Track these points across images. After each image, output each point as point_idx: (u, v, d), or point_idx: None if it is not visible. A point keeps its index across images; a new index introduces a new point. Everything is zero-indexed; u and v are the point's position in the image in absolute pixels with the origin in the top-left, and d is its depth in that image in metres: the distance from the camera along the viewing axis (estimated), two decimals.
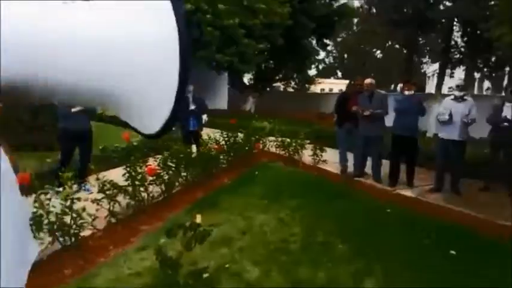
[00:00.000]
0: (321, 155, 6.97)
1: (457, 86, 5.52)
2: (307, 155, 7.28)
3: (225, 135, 7.03)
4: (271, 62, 20.21)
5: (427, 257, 3.41)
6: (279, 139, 8.10)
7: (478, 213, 4.66)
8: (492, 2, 5.73)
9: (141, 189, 4.43)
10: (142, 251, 3.37)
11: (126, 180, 4.23)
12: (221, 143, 6.77)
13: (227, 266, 3.19)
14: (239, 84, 19.90)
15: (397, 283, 2.99)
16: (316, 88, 28.48)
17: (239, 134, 7.50)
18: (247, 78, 22.37)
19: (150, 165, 4.72)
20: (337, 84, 32.54)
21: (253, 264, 3.22)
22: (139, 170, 4.38)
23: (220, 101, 20.04)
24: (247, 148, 7.62)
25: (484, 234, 4.00)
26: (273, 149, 8.12)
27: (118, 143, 6.26)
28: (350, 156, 6.54)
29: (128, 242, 3.65)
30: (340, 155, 6.72)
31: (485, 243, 3.72)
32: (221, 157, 6.65)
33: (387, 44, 25.01)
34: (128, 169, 4.30)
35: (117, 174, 4.37)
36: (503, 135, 5.53)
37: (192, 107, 6.50)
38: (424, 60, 24.63)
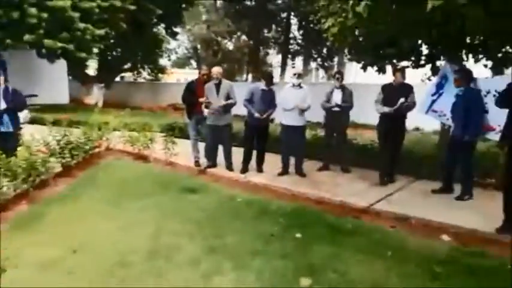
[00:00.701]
0: (173, 148, 6.58)
1: (294, 75, 5.85)
2: (158, 149, 6.80)
3: (57, 134, 5.97)
4: (118, 50, 18.62)
5: (277, 243, 3.43)
6: (127, 133, 7.39)
7: (319, 193, 5.06)
8: None
9: None
10: None
11: None
12: (50, 144, 5.71)
13: None
14: (81, 74, 17.68)
15: (248, 276, 2.90)
16: (171, 78, 27.69)
17: (77, 130, 6.51)
18: (93, 69, 20.12)
19: None
20: (192, 75, 32.43)
21: None
22: None
23: (59, 94, 17.47)
24: (88, 147, 6.67)
25: (326, 211, 4.31)
26: (121, 146, 7.36)
27: None
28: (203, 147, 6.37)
29: None
30: (192, 146, 6.49)
31: (327, 222, 3.96)
32: (52, 160, 5.60)
33: (236, 35, 26.15)
34: None
35: None
36: (335, 119, 6.13)
37: (2, 103, 5.26)
38: (270, 51, 26.66)
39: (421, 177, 5.76)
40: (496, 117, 4.45)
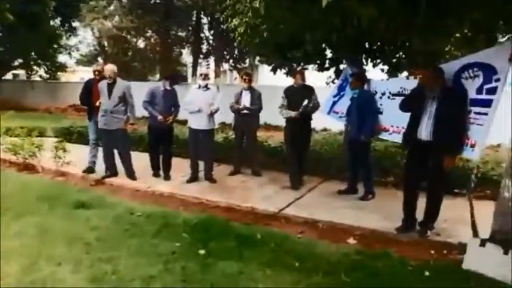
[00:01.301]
0: (64, 156, 5.77)
1: (201, 75, 5.53)
2: (49, 157, 5.92)
3: None
4: (7, 45, 16.31)
5: (177, 264, 3.07)
6: (10, 140, 6.34)
7: (229, 199, 4.82)
8: None
9: None
10: None
11: None
12: None
13: None
14: None
15: None
16: (74, 77, 25.28)
17: None
18: None
19: None
20: None
21: None
22: None
23: None
24: None
25: (236, 220, 4.07)
26: (3, 155, 6.29)
27: None
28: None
29: None
30: (89, 151, 5.83)
31: (236, 233, 3.71)
32: None
33: (148, 33, 24.72)
34: None
35: None
36: (244, 121, 5.95)
37: None
38: (184, 51, 25.82)
39: (329, 178, 5.88)
40: (390, 118, 4.67)
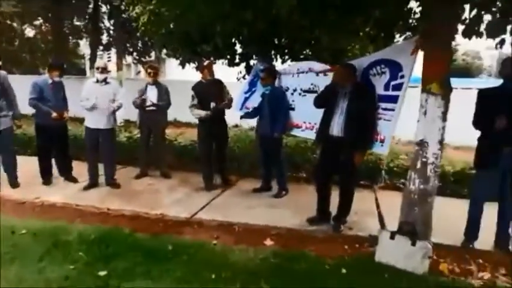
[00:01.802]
0: None
1: (97, 68, 4.88)
2: None
3: None
4: None
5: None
6: None
7: (135, 206, 4.35)
8: None
9: None
10: None
11: None
12: None
13: None
14: None
15: None
16: None
17: None
18: None
19: None
20: None
21: None
22: None
23: None
24: None
25: (143, 231, 3.64)
26: None
27: None
28: None
29: None
30: None
31: (143, 246, 3.30)
32: None
33: (37, 22, 21.82)
34: None
35: None
36: (151, 118, 5.45)
37: None
38: (82, 42, 23.43)
39: (244, 176, 5.71)
40: (302, 114, 4.66)
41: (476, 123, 3.37)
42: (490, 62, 36.28)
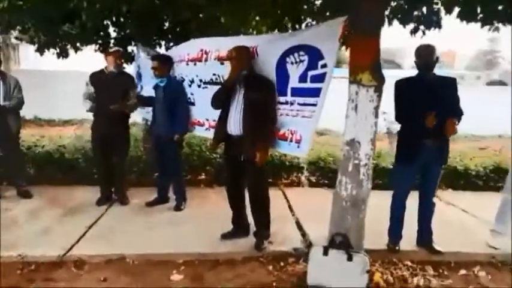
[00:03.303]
0: None
1: None
2: None
3: None
4: None
5: None
6: None
7: None
8: None
9: None
10: None
11: None
12: None
13: None
14: None
15: None
16: None
17: None
18: None
19: None
20: None
21: None
22: None
23: None
24: None
25: None
26: None
27: None
28: None
29: None
30: None
31: None
32: None
33: None
34: None
35: None
36: None
37: None
38: None
39: (132, 185, 4.68)
40: (204, 110, 3.91)
41: (398, 117, 3.16)
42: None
